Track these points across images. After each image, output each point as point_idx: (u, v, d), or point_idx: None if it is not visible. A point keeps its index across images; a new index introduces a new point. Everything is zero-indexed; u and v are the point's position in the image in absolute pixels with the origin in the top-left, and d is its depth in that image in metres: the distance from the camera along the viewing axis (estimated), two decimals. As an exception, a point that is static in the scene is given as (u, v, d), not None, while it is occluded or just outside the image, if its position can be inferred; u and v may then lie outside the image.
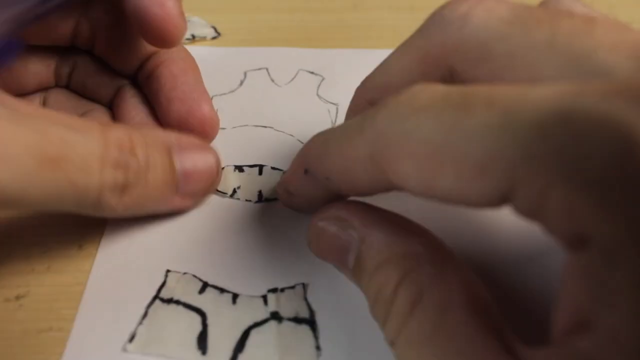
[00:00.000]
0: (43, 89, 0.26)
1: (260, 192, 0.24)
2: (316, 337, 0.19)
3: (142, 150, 0.20)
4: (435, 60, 0.18)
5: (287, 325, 0.19)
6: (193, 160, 0.21)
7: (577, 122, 0.11)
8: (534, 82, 0.14)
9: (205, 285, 0.20)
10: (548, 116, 0.11)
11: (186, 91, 0.24)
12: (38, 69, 0.25)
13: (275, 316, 0.19)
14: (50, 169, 0.17)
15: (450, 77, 0.18)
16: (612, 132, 0.10)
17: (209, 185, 0.22)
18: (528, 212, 0.12)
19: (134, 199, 0.19)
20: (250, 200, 0.24)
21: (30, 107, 0.18)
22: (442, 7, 0.17)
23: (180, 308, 0.20)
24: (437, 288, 0.14)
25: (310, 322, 0.19)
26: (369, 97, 0.20)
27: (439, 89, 0.14)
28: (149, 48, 0.25)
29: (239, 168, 0.25)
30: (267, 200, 0.24)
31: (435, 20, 0.17)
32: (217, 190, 0.24)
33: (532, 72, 0.15)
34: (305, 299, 0.20)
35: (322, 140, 0.19)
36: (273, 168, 0.25)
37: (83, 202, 0.18)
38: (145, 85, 0.25)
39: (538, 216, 0.12)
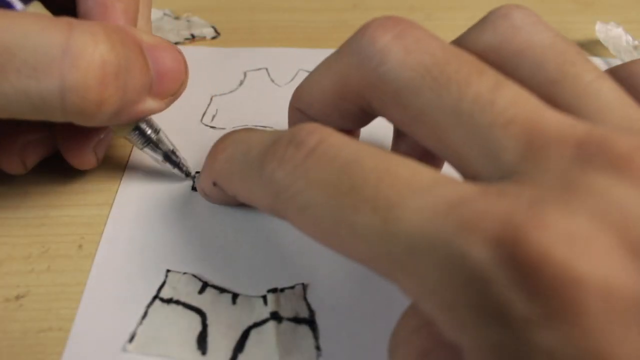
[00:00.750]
0: None
1: None
2: (316, 337, 0.19)
3: (121, 50, 0.18)
4: (352, 90, 0.17)
5: (287, 326, 0.19)
6: (164, 58, 0.20)
7: (438, 251, 0.12)
8: (440, 142, 0.15)
9: (205, 285, 0.20)
10: (418, 237, 0.13)
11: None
12: None
13: (275, 316, 0.19)
14: None
15: (368, 107, 0.17)
16: (464, 267, 0.12)
17: (180, 84, 0.21)
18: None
19: (113, 103, 0.18)
20: None
21: None
22: (363, 33, 0.17)
23: (180, 308, 0.20)
24: None
25: (310, 322, 0.19)
26: (298, 106, 0.20)
27: (331, 159, 0.15)
28: None
29: None
30: None
31: (354, 48, 0.17)
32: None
33: (439, 134, 0.15)
34: (305, 299, 0.20)
35: (228, 161, 0.19)
36: None
37: (45, 110, 0.17)
38: None
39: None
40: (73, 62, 0.17)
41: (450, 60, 0.15)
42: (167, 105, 0.22)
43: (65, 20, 0.18)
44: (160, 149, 0.23)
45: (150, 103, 0.21)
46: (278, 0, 0.37)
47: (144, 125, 0.22)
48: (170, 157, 0.23)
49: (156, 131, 0.23)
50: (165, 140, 0.23)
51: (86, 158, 0.23)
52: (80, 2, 0.21)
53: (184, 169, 0.24)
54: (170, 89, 0.21)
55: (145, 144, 0.23)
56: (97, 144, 0.23)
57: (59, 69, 0.17)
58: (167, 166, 0.24)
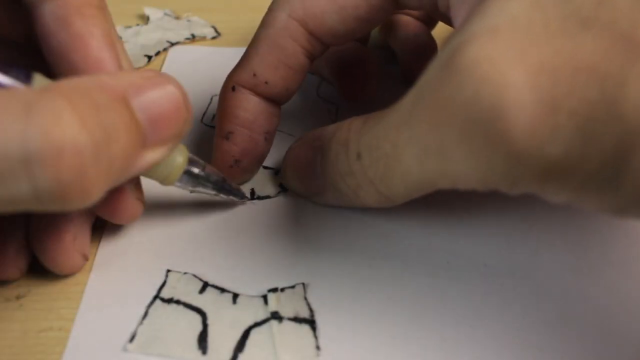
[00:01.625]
0: None
1: (252, 189, 0.24)
2: (316, 336, 0.19)
3: (95, 121, 0.15)
4: None
5: (287, 325, 0.19)
6: (155, 99, 0.17)
7: None
8: None
9: (205, 285, 0.20)
10: None
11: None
12: None
13: (276, 316, 0.19)
14: None
15: None
16: None
17: (182, 123, 0.18)
18: None
19: (99, 185, 0.15)
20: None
21: None
22: None
23: (181, 308, 0.20)
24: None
25: (310, 321, 0.19)
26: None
27: None
28: None
29: None
30: (259, 197, 0.24)
31: None
32: None
33: None
34: (305, 299, 0.20)
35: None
36: (265, 167, 0.25)
37: (19, 207, 0.15)
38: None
39: None
40: (39, 164, 0.14)
41: None
42: (172, 149, 0.19)
43: (19, 105, 0.14)
44: (211, 182, 0.21)
45: (149, 156, 0.17)
46: (278, 0, 0.37)
47: (192, 168, 0.20)
48: (223, 186, 0.22)
49: (202, 166, 0.21)
50: (213, 171, 0.21)
51: (69, 257, 0.20)
52: (51, 37, 0.18)
53: (240, 193, 0.23)
54: (169, 133, 0.18)
55: (196, 185, 0.21)
56: (76, 239, 0.20)
57: (24, 174, 0.14)
58: (221, 196, 0.22)
